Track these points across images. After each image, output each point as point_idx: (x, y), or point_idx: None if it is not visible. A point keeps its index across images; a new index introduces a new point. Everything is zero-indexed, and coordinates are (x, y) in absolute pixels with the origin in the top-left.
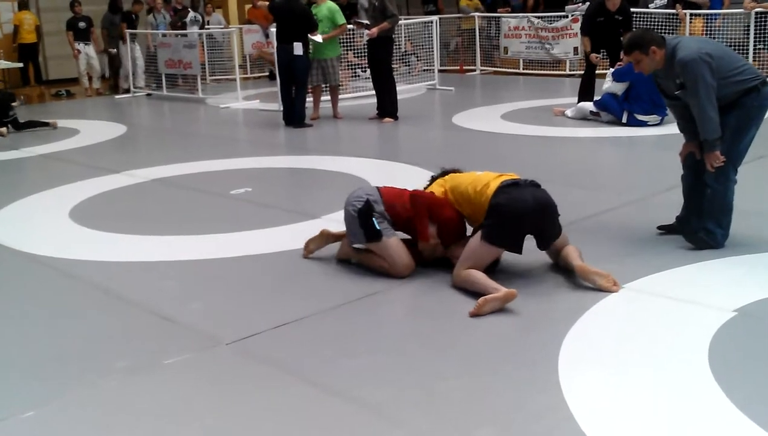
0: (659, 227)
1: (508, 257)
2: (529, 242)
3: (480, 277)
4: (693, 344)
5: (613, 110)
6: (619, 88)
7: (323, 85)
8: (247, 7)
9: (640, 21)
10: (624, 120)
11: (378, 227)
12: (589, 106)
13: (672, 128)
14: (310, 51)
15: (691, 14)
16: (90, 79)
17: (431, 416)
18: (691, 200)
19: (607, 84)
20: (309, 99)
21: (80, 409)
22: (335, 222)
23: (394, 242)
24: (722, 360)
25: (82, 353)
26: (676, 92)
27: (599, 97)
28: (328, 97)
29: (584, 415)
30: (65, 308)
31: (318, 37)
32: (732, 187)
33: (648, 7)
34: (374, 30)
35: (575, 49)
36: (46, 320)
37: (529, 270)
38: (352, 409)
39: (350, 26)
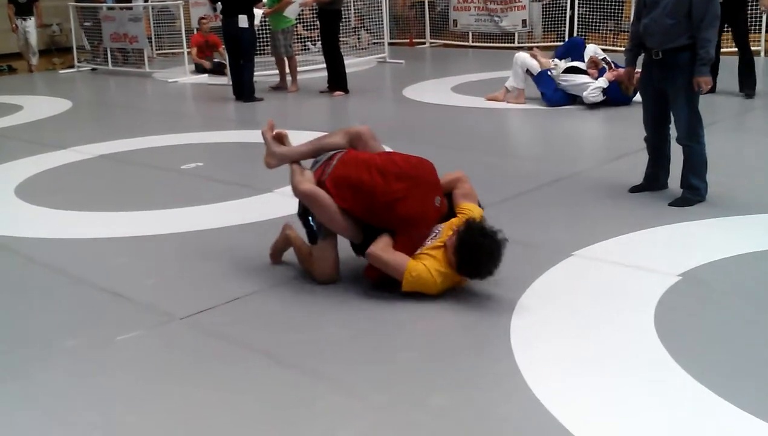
0: (630, 189)
1: None
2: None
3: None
4: (640, 308)
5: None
6: (602, 82)
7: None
8: None
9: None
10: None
11: (314, 228)
12: (527, 63)
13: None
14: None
15: None
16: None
17: (386, 386)
18: (656, 158)
19: (596, 87)
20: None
21: (30, 389)
22: (288, 197)
23: (326, 247)
24: (668, 324)
25: (31, 332)
26: None
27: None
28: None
29: (537, 382)
30: (12, 286)
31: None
32: (704, 143)
33: None
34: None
35: (523, 21)
36: None
37: None
38: (307, 381)
39: None
